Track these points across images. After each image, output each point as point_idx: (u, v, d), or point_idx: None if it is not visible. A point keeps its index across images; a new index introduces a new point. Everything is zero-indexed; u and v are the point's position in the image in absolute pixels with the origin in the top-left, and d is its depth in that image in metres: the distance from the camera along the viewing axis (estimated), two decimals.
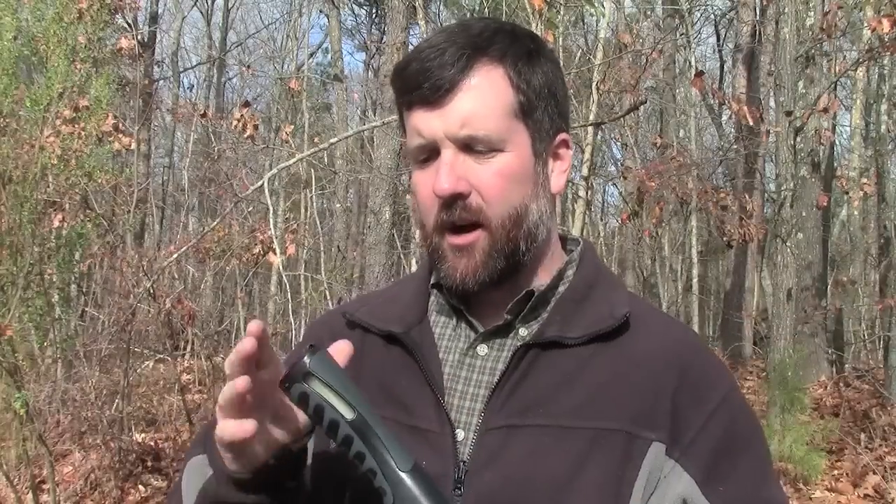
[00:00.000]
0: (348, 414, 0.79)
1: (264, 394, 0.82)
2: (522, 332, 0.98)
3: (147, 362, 7.90)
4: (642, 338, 0.96)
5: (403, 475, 0.78)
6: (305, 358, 0.80)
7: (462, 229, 0.94)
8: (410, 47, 7.40)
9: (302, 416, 0.84)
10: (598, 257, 1.08)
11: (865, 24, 7.80)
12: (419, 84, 0.92)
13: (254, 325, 0.80)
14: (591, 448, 0.89)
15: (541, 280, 1.00)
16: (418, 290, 1.06)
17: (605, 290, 1.01)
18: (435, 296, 1.04)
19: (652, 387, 0.92)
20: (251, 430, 0.80)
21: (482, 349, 0.98)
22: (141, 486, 5.74)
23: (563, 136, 1.00)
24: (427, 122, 0.93)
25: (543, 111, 0.97)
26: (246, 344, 0.78)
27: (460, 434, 0.93)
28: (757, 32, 12.63)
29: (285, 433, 0.85)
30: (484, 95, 0.93)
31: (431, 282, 1.04)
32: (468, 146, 0.93)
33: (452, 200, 0.92)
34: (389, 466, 0.78)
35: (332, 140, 6.13)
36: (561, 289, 1.01)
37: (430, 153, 0.95)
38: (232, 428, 0.80)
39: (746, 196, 7.68)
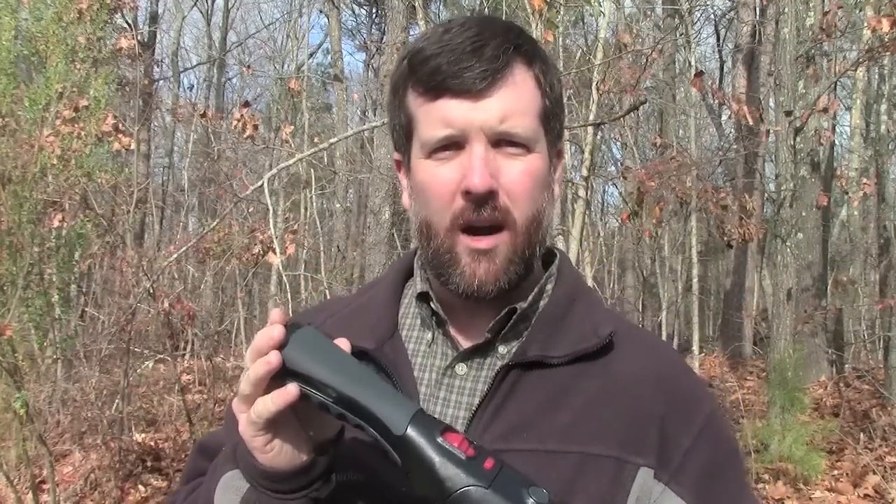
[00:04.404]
0: (331, 394, 0.79)
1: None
2: (502, 349, 0.95)
3: (147, 362, 7.90)
4: (627, 358, 0.94)
5: (401, 437, 0.77)
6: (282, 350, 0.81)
7: (482, 231, 0.90)
8: None
9: None
10: (574, 269, 1.06)
11: (865, 24, 7.79)
12: (457, 73, 0.87)
13: (277, 314, 0.80)
14: (579, 473, 0.87)
15: (524, 295, 0.95)
16: (389, 300, 1.02)
17: (585, 305, 0.99)
18: (416, 306, 0.99)
19: (639, 411, 0.91)
20: (294, 391, 0.78)
21: (461, 368, 0.94)
22: (141, 486, 5.74)
23: (560, 145, 1.00)
24: (461, 112, 0.88)
25: (556, 118, 0.96)
26: (275, 332, 0.79)
27: None
28: (757, 32, 12.63)
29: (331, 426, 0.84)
30: (523, 94, 0.91)
31: (419, 290, 0.98)
32: (500, 142, 0.89)
33: (485, 199, 0.88)
34: (387, 432, 0.78)
35: (332, 140, 6.13)
36: (541, 304, 0.97)
37: (452, 145, 0.90)
38: (273, 397, 0.79)
39: (746, 196, 7.68)
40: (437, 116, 0.89)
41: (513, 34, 0.92)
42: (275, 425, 0.81)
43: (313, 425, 0.83)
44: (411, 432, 0.77)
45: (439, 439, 0.77)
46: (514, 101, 0.89)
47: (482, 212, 0.88)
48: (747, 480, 0.98)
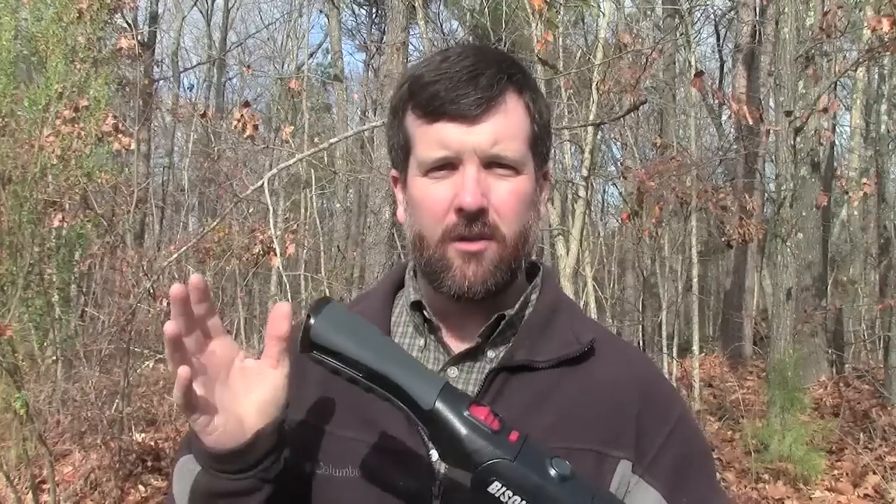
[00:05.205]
0: (361, 370, 0.82)
1: (218, 365, 0.88)
2: (490, 354, 1.02)
3: (147, 362, 7.90)
4: (606, 363, 1.02)
5: (430, 412, 0.80)
6: (311, 321, 0.83)
7: (472, 239, 0.96)
8: (411, 48, 7.42)
9: (279, 378, 0.89)
10: (557, 282, 1.14)
11: (865, 24, 7.79)
12: (454, 99, 0.95)
13: (196, 278, 0.86)
14: None
15: (510, 304, 1.02)
16: (381, 309, 1.08)
17: (567, 315, 1.06)
18: (409, 314, 1.06)
19: (617, 410, 0.99)
20: (185, 374, 0.82)
21: (452, 371, 1.01)
22: (141, 486, 5.74)
23: (546, 168, 1.07)
24: (457, 136, 0.95)
25: (543, 144, 1.03)
26: (177, 288, 0.83)
27: (434, 454, 0.92)
28: (757, 32, 12.63)
29: (266, 392, 0.89)
30: (513, 119, 0.98)
31: (412, 299, 1.04)
32: (491, 164, 0.96)
33: (476, 216, 0.95)
34: (415, 406, 0.80)
35: (332, 140, 6.13)
36: (526, 313, 1.05)
37: (447, 165, 0.97)
38: (179, 381, 0.82)
39: (746, 196, 7.68)
40: (434, 138, 0.96)
41: (506, 64, 0.99)
42: (205, 405, 0.86)
43: (257, 389, 0.88)
44: (439, 406, 0.80)
45: (466, 413, 0.79)
46: (505, 126, 0.97)
47: (473, 227, 0.95)
48: (715, 475, 1.06)
